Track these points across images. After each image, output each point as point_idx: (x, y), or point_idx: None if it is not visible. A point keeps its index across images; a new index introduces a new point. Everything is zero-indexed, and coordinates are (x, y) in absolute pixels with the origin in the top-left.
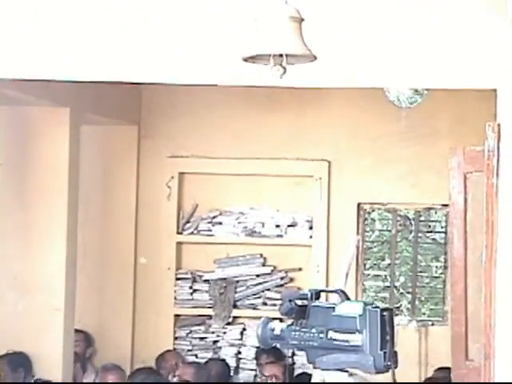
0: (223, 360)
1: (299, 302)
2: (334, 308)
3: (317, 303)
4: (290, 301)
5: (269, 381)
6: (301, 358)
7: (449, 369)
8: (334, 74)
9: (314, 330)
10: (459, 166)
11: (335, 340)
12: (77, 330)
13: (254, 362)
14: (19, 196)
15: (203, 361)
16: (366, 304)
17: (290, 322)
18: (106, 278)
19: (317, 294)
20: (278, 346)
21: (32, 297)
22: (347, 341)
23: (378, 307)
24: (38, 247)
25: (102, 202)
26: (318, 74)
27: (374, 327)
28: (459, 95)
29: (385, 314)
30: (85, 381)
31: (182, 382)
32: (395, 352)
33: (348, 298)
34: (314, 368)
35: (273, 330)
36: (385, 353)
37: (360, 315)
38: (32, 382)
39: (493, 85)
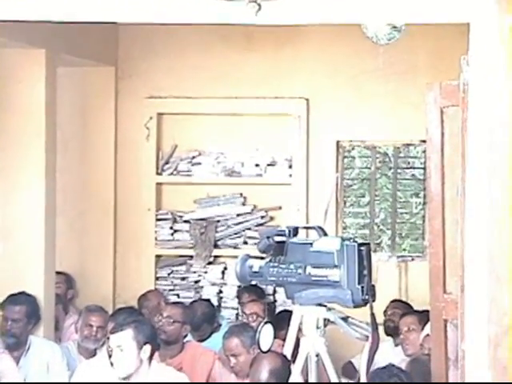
0: (208, 300)
1: (277, 239)
2: (311, 244)
3: (294, 240)
4: (268, 237)
5: (250, 319)
6: (282, 296)
7: (402, 302)
8: (311, 10)
9: (292, 266)
10: (436, 100)
11: (313, 275)
12: (58, 272)
13: (236, 300)
14: None
15: (185, 300)
16: (343, 239)
17: (268, 258)
18: (86, 220)
19: (294, 231)
20: (257, 282)
21: (12, 240)
22: (325, 276)
23: (355, 242)
24: (17, 190)
25: (80, 145)
26: (293, 10)
27: (351, 262)
28: (436, 31)
29: (362, 248)
30: (67, 322)
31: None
32: (373, 286)
33: (326, 234)
34: (293, 304)
35: (251, 267)
36: (362, 287)
37: (337, 250)
38: None
39: (467, 18)
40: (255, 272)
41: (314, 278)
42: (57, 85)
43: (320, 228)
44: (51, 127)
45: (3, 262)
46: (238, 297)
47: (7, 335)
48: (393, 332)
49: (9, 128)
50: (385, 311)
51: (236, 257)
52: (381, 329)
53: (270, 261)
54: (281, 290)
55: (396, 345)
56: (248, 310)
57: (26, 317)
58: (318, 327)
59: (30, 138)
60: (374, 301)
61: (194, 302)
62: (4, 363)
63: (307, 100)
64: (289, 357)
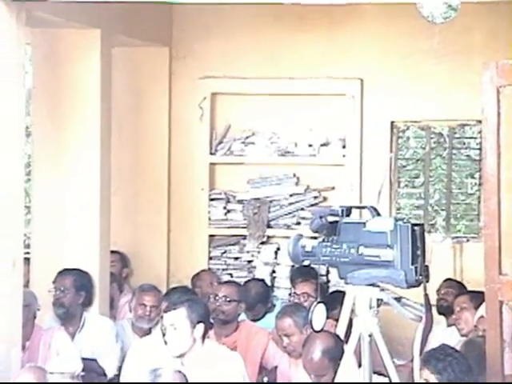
0: (263, 280)
1: (330, 219)
2: (364, 224)
3: (347, 219)
4: (321, 217)
5: (301, 299)
6: (335, 276)
7: (455, 281)
8: None
9: (344, 246)
10: (492, 80)
11: (366, 256)
12: (113, 251)
13: (289, 280)
14: (52, 120)
15: (238, 280)
16: (396, 219)
17: (321, 238)
18: (141, 199)
19: (347, 211)
20: (309, 262)
21: (67, 219)
22: (378, 256)
23: (408, 222)
24: (73, 170)
25: (134, 125)
26: None
27: (404, 242)
28: (492, 10)
29: (416, 229)
30: (122, 300)
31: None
32: (426, 267)
33: (379, 215)
34: (346, 284)
35: (304, 246)
36: (416, 267)
37: (391, 230)
38: None
39: None
40: (308, 252)
41: (366, 258)
42: (112, 65)
43: (373, 208)
44: (106, 107)
45: (62, 241)
46: (290, 277)
47: (57, 305)
48: (446, 311)
49: (64, 108)
50: (438, 290)
51: (289, 237)
52: (434, 308)
53: (323, 241)
54: (334, 270)
55: (449, 325)
56: (299, 289)
57: (75, 288)
58: (370, 307)
59: (85, 118)
60: (427, 282)
61: (248, 281)
62: (59, 339)
63: (361, 80)
64: (342, 337)
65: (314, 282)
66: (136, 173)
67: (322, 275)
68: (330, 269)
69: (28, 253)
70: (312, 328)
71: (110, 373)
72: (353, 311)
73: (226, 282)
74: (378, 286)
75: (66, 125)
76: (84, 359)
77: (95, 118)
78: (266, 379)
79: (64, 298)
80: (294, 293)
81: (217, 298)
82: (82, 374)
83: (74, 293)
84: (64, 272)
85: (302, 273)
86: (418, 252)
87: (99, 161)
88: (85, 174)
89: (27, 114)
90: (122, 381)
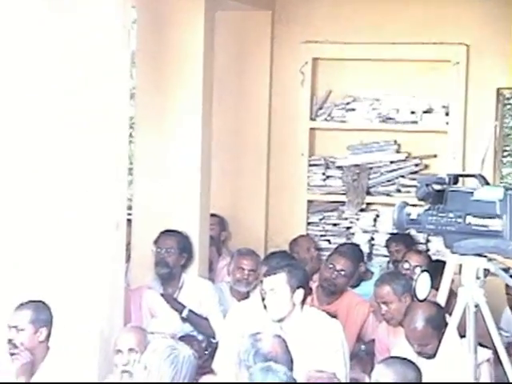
0: (357, 245)
1: (436, 187)
2: (472, 193)
3: (455, 188)
4: (427, 185)
5: (416, 270)
6: (435, 245)
7: None
8: None
9: (451, 215)
10: None
11: (473, 225)
12: (212, 215)
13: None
14: (155, 83)
15: (335, 246)
16: (506, 189)
17: (426, 206)
18: (240, 164)
19: (455, 179)
20: (414, 230)
21: (169, 181)
22: (486, 226)
23: None
24: (174, 133)
25: (236, 88)
26: None
27: None
28: None
29: None
30: (220, 264)
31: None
32: None
33: (487, 183)
34: (452, 253)
35: (409, 214)
36: None
37: (500, 200)
38: None
39: None
40: (413, 220)
41: (474, 228)
42: (215, 29)
43: (481, 176)
44: (208, 71)
45: (161, 204)
46: (387, 245)
47: (161, 265)
48: None
49: (168, 71)
50: None
51: (389, 204)
52: None
53: (429, 209)
54: (434, 239)
55: None
56: (413, 261)
57: (179, 249)
58: (477, 278)
59: (188, 82)
60: None
61: (342, 244)
62: (150, 299)
63: (467, 46)
64: (442, 306)
65: (414, 250)
66: (236, 137)
67: (421, 243)
68: (430, 237)
69: (130, 214)
70: (416, 297)
71: (218, 335)
72: (453, 281)
73: (344, 255)
74: (485, 256)
75: (169, 88)
76: (195, 314)
77: (197, 82)
78: (363, 347)
79: (168, 258)
80: (394, 260)
81: (331, 268)
82: (182, 335)
83: (178, 254)
84: (167, 233)
85: (398, 241)
86: None
87: (200, 124)
88: (186, 136)
89: (131, 77)
90: (220, 345)
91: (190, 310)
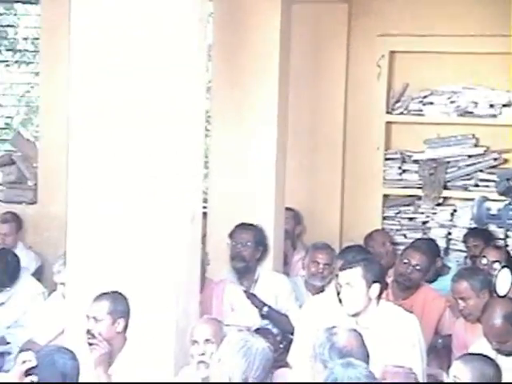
0: (433, 240)
1: None
2: None
3: None
4: (508, 180)
5: (494, 266)
6: None
7: None
8: None
9: None
10: None
11: None
12: (286, 208)
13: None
14: (231, 76)
15: (411, 241)
16: None
17: (507, 201)
18: (315, 157)
19: None
20: (494, 225)
21: (244, 174)
22: None
23: None
24: (250, 126)
25: (311, 81)
26: None
27: None
28: None
29: None
30: (295, 257)
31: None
32: None
33: None
34: None
35: (489, 209)
36: None
37: None
38: None
39: None
40: (493, 215)
41: None
42: (291, 22)
43: None
44: (284, 64)
45: (236, 197)
46: (464, 240)
47: (237, 259)
48: None
49: (244, 65)
50: None
51: (466, 199)
52: None
53: (510, 204)
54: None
55: None
56: (491, 256)
57: (255, 242)
58: None
59: (264, 74)
60: None
61: (416, 240)
62: (232, 293)
63: None
64: None
65: (492, 245)
66: (312, 129)
67: (499, 239)
68: (509, 233)
69: (205, 207)
70: (496, 293)
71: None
72: None
73: (418, 250)
74: None
75: (244, 82)
76: (275, 311)
77: (273, 75)
78: (440, 341)
79: (245, 252)
80: (472, 255)
81: (406, 263)
82: (257, 328)
83: (254, 247)
84: (242, 226)
85: (476, 236)
86: None
87: (276, 118)
88: (262, 130)
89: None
90: (296, 338)
91: (270, 307)
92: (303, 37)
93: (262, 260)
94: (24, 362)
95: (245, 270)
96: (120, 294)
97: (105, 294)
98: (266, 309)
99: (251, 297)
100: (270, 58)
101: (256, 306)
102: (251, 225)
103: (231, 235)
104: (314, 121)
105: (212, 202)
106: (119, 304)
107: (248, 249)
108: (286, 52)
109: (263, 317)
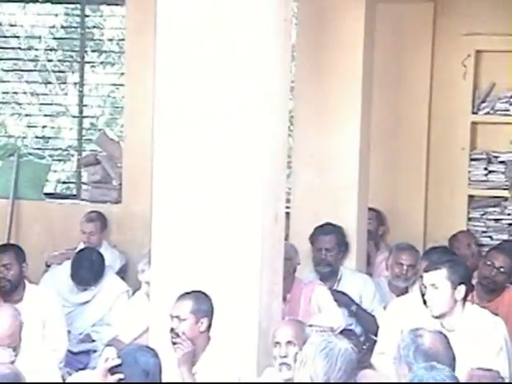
0: None
1: None
2: None
3: None
4: None
5: None
6: None
7: None
8: None
9: None
10: None
11: None
12: (369, 209)
13: None
14: (315, 76)
15: (497, 243)
16: None
17: None
18: (399, 157)
19: None
20: None
21: (327, 174)
22: None
23: None
24: (333, 126)
25: (396, 80)
26: None
27: None
28: None
29: None
30: (378, 258)
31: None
32: None
33: None
34: None
35: None
36: None
37: None
38: None
39: None
40: None
41: None
42: (375, 21)
43: None
44: (368, 64)
45: (319, 196)
46: None
47: (322, 265)
48: None
49: (328, 64)
50: None
51: None
52: None
53: None
54: None
55: None
56: None
57: (337, 245)
58: None
59: (348, 74)
60: None
61: (504, 241)
62: (320, 294)
63: None
64: None
65: None
66: (395, 129)
67: None
68: None
69: (288, 207)
70: None
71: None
72: None
73: (503, 252)
74: None
75: (328, 81)
76: (364, 311)
77: (357, 74)
78: None
79: (329, 257)
80: None
81: (490, 265)
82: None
83: (337, 250)
84: (322, 229)
85: None
86: None
87: (359, 116)
88: (345, 130)
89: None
90: (380, 339)
91: (358, 305)
92: (388, 36)
93: (344, 259)
94: (107, 359)
95: (330, 274)
96: (203, 293)
97: (188, 293)
98: (354, 307)
99: (340, 295)
100: (353, 58)
101: (345, 304)
102: (330, 225)
103: (312, 239)
104: (398, 121)
105: (295, 202)
106: (202, 303)
107: (331, 253)
108: (370, 51)
109: (351, 314)
